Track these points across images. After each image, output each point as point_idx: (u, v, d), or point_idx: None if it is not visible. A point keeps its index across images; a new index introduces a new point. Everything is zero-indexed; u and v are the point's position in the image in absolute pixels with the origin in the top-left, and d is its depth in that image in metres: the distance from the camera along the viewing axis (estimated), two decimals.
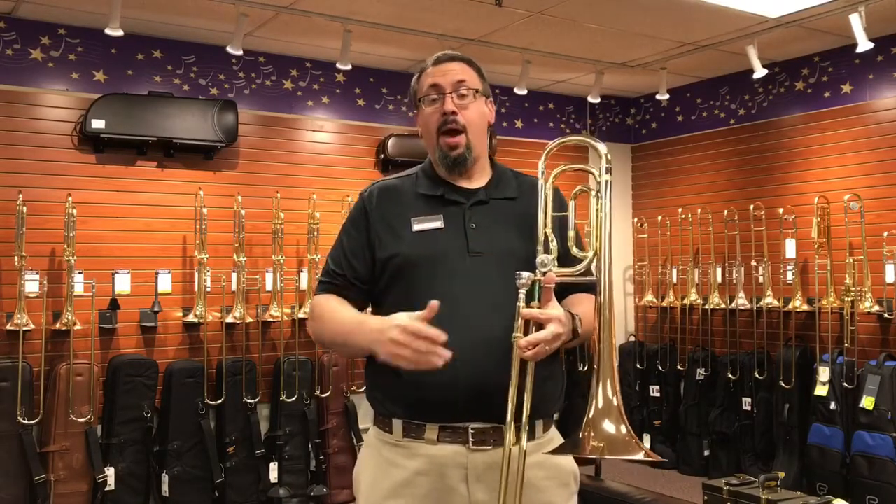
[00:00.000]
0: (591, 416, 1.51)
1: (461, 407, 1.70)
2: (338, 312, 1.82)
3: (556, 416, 1.88)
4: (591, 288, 1.69)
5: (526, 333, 1.60)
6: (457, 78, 1.83)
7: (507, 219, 1.83)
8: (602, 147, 1.71)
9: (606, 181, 1.65)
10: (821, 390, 4.89)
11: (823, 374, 4.90)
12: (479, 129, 1.86)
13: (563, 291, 1.76)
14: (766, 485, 3.78)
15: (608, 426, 1.50)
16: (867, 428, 4.60)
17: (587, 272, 1.69)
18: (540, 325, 1.61)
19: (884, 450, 4.49)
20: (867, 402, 4.61)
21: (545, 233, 1.71)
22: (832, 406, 4.83)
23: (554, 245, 1.71)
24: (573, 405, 4.22)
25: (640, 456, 1.47)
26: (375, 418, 1.84)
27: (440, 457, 1.72)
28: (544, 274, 1.63)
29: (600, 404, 1.52)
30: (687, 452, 5.75)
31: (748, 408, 5.42)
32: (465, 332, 1.69)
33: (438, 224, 1.80)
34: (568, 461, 1.83)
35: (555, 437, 1.84)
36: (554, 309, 1.62)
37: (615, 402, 1.51)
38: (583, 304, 1.76)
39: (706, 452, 5.64)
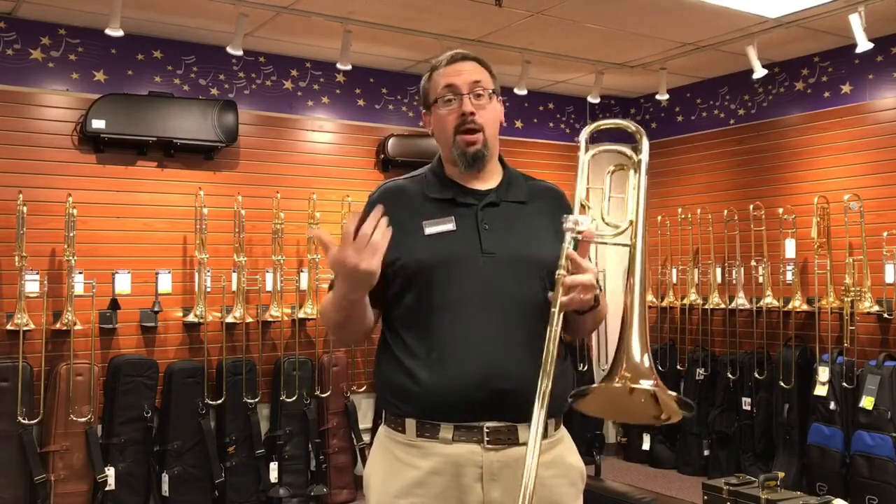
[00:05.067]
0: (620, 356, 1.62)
1: (477, 406, 1.71)
2: (329, 296, 1.79)
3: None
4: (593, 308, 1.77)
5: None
6: (472, 78, 1.83)
7: (517, 222, 1.84)
8: (637, 127, 1.86)
9: (640, 160, 1.79)
10: (820, 390, 4.90)
11: (823, 373, 4.90)
12: (494, 129, 1.87)
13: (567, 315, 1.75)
14: (766, 485, 3.79)
15: (636, 356, 1.63)
16: (867, 428, 4.60)
17: (621, 237, 1.73)
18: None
19: (883, 450, 4.50)
20: (867, 402, 4.62)
21: (580, 200, 1.73)
22: (832, 406, 4.83)
23: (589, 213, 1.74)
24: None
25: (649, 385, 1.59)
26: (386, 418, 1.83)
27: (455, 456, 1.71)
28: (580, 232, 1.65)
29: (632, 351, 1.64)
30: (687, 452, 5.75)
31: (748, 408, 5.42)
32: (481, 333, 1.71)
33: (450, 226, 1.79)
34: (576, 461, 1.84)
35: (564, 436, 1.85)
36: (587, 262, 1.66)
37: (642, 352, 1.64)
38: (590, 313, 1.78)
39: (706, 452, 5.65)
